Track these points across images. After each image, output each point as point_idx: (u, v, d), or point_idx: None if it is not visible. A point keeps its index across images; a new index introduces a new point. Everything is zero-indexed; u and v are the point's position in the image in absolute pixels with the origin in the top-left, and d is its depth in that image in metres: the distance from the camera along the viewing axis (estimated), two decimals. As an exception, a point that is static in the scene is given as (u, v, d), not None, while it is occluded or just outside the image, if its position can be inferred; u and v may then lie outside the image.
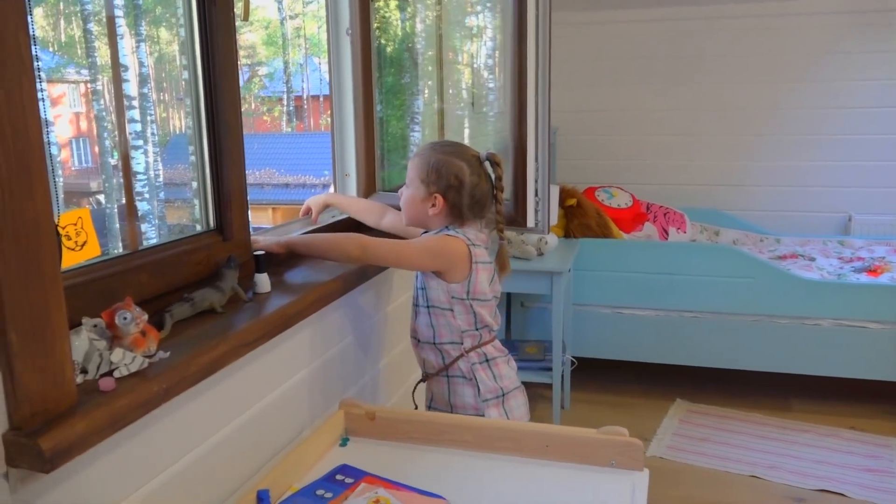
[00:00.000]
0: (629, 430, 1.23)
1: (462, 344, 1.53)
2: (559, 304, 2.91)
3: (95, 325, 1.01)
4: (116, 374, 0.96)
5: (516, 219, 1.71)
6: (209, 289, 1.25)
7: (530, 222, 1.72)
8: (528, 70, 1.73)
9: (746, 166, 3.98)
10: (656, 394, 3.36)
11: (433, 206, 1.51)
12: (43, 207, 0.84)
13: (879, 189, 3.82)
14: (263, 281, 1.37)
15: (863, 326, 2.97)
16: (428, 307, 1.53)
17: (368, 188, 1.97)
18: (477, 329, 1.53)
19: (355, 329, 1.66)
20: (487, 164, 1.53)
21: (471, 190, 1.50)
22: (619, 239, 3.45)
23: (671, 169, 4.09)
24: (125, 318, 1.00)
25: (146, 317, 1.03)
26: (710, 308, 3.17)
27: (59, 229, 1.01)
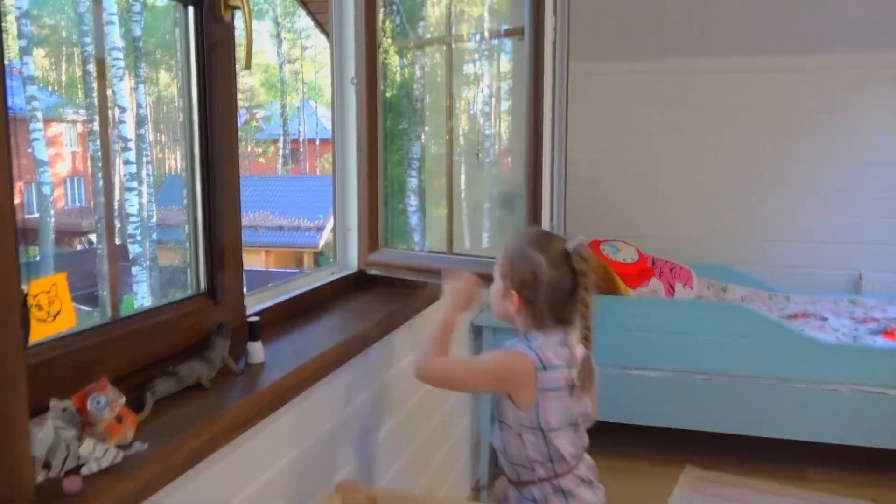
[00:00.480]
0: (638, 500, 1.10)
1: (534, 472, 1.34)
2: (565, 364, 2.78)
3: (65, 410, 0.89)
4: (85, 470, 0.84)
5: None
6: (197, 361, 1.13)
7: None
8: (543, 124, 1.66)
9: (754, 221, 3.90)
10: (664, 460, 3.20)
11: (512, 303, 1.35)
12: (7, 282, 0.72)
13: (890, 246, 3.73)
14: (257, 350, 1.25)
15: (883, 392, 2.84)
16: (499, 420, 1.38)
17: (371, 245, 1.86)
18: (551, 461, 1.33)
19: (352, 401, 1.53)
20: (576, 257, 1.31)
21: (549, 287, 1.30)
22: (626, 296, 3.34)
23: (677, 222, 4.00)
24: (98, 403, 0.88)
25: (123, 400, 0.91)
26: (722, 370, 3.03)
27: (30, 299, 0.90)
